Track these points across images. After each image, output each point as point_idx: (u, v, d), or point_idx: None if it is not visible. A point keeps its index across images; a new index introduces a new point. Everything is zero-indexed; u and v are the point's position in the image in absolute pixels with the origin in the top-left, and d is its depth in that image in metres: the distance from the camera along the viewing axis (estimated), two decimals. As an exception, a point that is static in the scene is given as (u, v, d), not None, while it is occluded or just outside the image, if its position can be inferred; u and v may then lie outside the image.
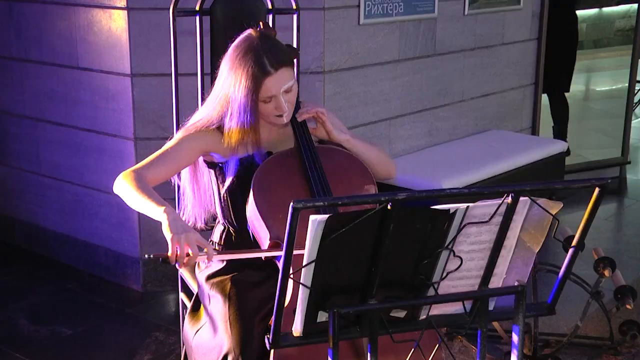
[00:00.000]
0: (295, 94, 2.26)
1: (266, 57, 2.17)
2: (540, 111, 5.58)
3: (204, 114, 2.30)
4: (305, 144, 2.28)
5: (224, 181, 2.30)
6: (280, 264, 1.49)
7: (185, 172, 2.40)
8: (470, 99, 4.93)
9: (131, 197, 2.15)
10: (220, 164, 2.30)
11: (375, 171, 2.41)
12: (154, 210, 2.07)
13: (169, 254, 1.99)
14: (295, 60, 2.70)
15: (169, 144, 2.28)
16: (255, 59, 2.16)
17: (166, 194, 3.79)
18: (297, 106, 2.34)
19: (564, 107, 6.11)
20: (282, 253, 1.51)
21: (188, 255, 1.98)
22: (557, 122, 6.12)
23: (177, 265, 2.01)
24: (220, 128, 2.27)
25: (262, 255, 2.13)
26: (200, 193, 2.41)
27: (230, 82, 2.20)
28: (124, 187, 2.17)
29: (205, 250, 2.03)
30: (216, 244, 2.37)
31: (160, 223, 2.04)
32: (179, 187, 2.49)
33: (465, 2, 4.68)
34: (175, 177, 2.78)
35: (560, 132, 6.06)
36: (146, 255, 2.04)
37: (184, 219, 2.42)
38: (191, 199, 2.42)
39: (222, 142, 2.26)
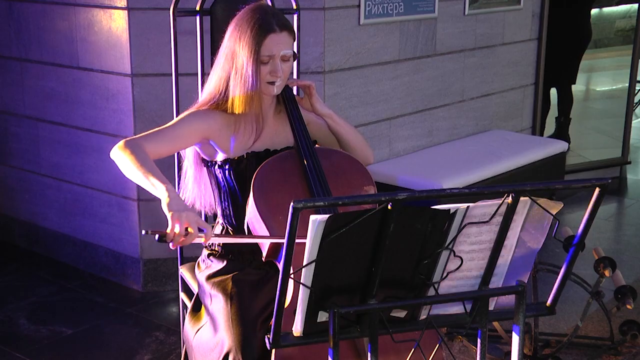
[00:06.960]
0: (290, 67, 2.29)
1: (273, 17, 2.23)
2: (540, 111, 5.58)
3: (212, 81, 2.30)
4: (304, 143, 2.28)
5: (223, 180, 2.30)
6: (280, 264, 1.49)
7: (191, 169, 2.39)
8: (470, 99, 4.93)
9: (130, 168, 2.11)
10: (218, 163, 2.30)
11: (355, 155, 2.44)
12: (155, 186, 2.04)
13: (168, 230, 1.95)
14: (295, 60, 2.71)
15: (172, 122, 2.27)
16: (263, 15, 2.22)
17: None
18: (292, 96, 2.38)
19: (570, 101, 6.22)
20: (282, 240, 1.49)
21: (186, 233, 1.94)
22: (560, 115, 6.21)
23: (171, 245, 1.96)
24: (222, 105, 2.27)
25: (261, 241, 2.11)
26: (204, 190, 2.41)
27: (236, 36, 2.23)
28: (124, 156, 2.13)
29: (204, 231, 1.99)
30: (215, 245, 2.37)
31: (160, 200, 2.00)
32: (179, 169, 2.47)
33: (466, 2, 4.67)
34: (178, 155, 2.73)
35: (562, 126, 6.12)
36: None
37: (183, 199, 2.40)
38: (196, 191, 2.41)
39: (225, 123, 2.25)
